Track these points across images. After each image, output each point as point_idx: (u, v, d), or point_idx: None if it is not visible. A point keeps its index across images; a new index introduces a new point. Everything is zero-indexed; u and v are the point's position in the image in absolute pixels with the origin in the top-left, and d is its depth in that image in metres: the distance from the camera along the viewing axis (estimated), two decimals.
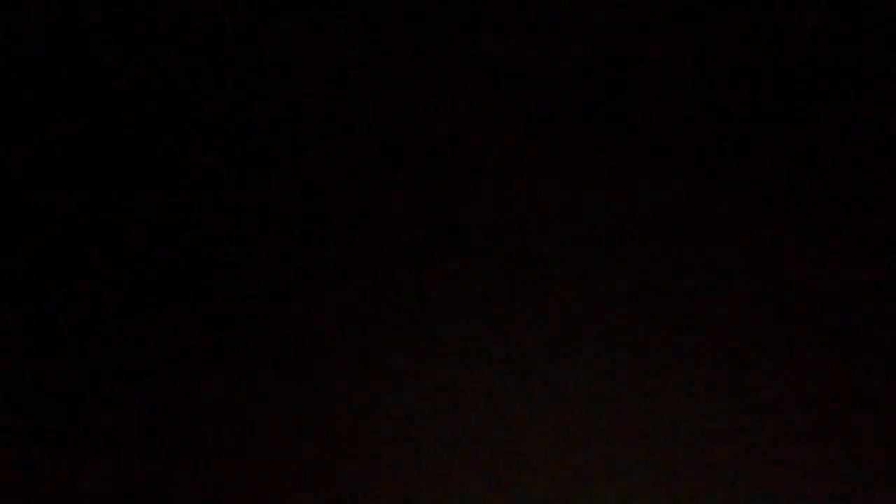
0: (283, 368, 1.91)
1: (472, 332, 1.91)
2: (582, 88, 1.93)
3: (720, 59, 1.93)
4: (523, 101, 1.94)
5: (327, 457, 1.89)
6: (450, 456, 1.88)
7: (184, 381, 1.90)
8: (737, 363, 1.89)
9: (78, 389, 1.90)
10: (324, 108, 1.95)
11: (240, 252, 1.93)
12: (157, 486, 1.88)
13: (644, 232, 1.92)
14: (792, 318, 1.89)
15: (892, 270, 1.89)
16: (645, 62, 1.93)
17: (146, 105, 1.94)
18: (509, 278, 1.92)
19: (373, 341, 1.91)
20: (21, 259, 1.91)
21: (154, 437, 1.89)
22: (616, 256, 1.92)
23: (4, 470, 1.88)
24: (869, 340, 1.88)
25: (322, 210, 1.94)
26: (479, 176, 1.93)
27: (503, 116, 1.94)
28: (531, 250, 1.92)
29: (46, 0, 1.93)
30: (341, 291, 1.92)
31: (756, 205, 1.91)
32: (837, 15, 1.91)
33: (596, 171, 1.93)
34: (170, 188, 1.93)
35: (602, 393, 1.89)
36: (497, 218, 1.93)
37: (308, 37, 1.95)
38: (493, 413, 1.89)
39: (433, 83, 1.95)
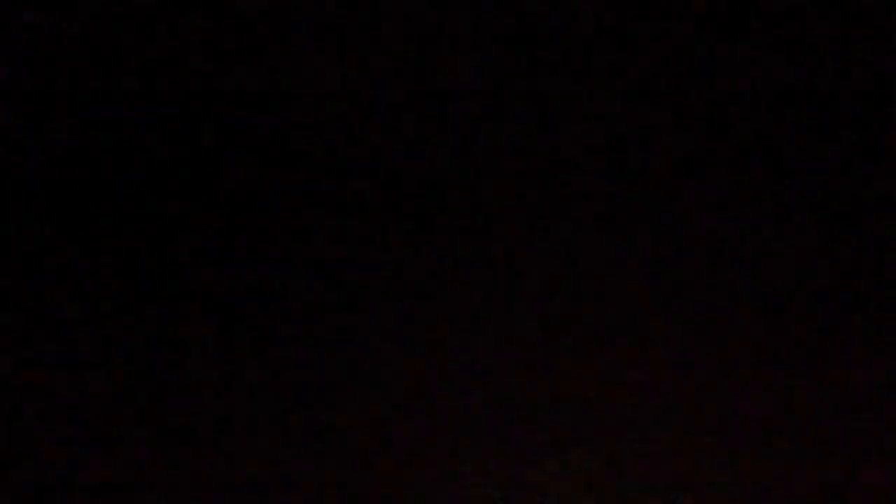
0: (286, 369, 1.91)
1: (474, 332, 1.92)
2: (582, 98, 1.94)
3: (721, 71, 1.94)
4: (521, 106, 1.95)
5: (328, 458, 1.89)
6: (451, 458, 1.89)
7: (184, 382, 1.91)
8: (738, 367, 1.90)
9: (81, 389, 1.90)
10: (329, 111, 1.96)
11: (240, 251, 1.94)
12: (157, 486, 1.88)
13: (645, 234, 1.93)
14: (792, 319, 1.90)
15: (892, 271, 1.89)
16: (644, 69, 1.94)
17: (151, 106, 1.95)
18: (509, 281, 1.93)
19: (373, 344, 1.92)
20: (28, 258, 1.92)
21: (153, 436, 1.89)
22: (618, 258, 1.92)
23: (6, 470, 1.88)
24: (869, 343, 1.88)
25: (323, 212, 1.94)
26: (480, 178, 1.94)
27: (503, 124, 1.95)
28: (530, 254, 1.93)
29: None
30: (342, 290, 1.93)
31: (755, 206, 1.92)
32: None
33: (597, 176, 1.94)
34: (170, 189, 1.94)
35: (604, 396, 1.90)
36: (497, 221, 1.93)
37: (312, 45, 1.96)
38: (496, 416, 1.90)
39: (434, 96, 1.96)
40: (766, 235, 1.91)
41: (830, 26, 1.92)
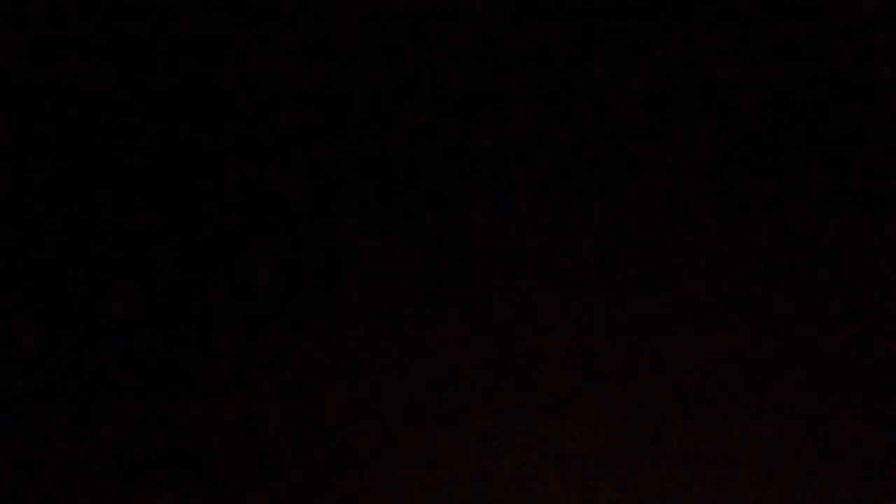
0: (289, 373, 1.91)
1: (475, 337, 1.91)
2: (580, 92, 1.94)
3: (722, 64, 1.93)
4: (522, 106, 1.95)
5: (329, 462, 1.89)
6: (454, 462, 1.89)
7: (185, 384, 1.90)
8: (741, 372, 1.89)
9: (87, 388, 1.90)
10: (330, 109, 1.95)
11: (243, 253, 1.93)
12: (150, 482, 1.88)
13: (645, 237, 1.92)
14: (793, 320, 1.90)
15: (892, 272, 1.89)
16: (642, 62, 1.93)
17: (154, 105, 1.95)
18: (510, 283, 1.92)
19: (375, 347, 1.92)
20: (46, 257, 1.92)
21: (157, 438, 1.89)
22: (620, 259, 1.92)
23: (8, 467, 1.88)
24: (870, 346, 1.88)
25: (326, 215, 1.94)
26: (479, 176, 1.94)
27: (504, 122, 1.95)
28: (531, 257, 1.93)
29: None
30: (343, 291, 1.93)
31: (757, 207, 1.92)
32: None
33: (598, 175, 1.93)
34: (174, 189, 1.93)
35: (607, 405, 1.89)
36: (498, 223, 1.93)
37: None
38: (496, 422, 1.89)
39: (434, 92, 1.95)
40: (776, 238, 1.91)
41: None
